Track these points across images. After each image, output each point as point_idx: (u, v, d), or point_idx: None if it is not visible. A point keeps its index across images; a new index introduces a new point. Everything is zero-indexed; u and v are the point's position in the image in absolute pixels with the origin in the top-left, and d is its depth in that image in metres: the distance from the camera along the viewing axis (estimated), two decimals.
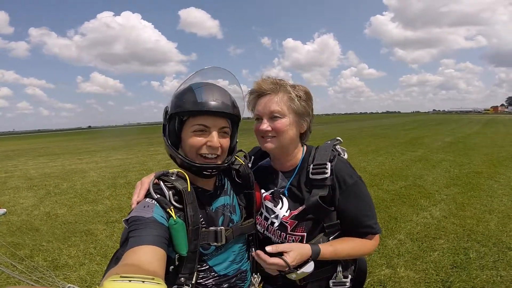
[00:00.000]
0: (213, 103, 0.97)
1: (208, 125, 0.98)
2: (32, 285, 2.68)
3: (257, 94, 1.18)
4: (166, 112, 1.03)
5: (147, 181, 1.02)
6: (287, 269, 1.03)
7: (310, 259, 1.07)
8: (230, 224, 1.09)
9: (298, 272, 1.05)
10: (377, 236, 1.21)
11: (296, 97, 1.15)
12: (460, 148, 12.10)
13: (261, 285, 1.27)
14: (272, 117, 1.14)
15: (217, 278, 1.06)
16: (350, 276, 1.23)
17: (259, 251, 1.07)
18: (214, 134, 0.99)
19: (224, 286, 1.07)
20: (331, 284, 1.20)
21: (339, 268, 1.21)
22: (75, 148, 22.81)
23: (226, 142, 1.03)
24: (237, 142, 1.14)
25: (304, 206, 1.15)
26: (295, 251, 1.05)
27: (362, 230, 1.17)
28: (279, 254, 1.04)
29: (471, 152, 10.88)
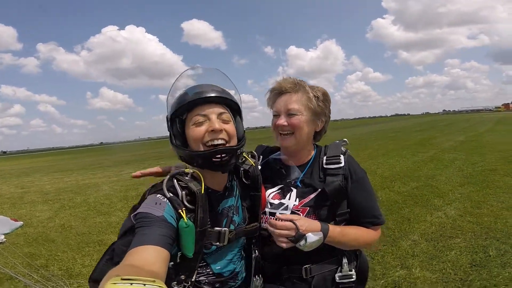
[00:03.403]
0: (204, 91, 0.99)
1: (206, 113, 0.99)
2: None
3: (277, 92, 1.25)
4: (167, 119, 1.05)
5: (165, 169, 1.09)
6: (296, 232, 1.06)
7: (321, 233, 1.09)
8: (232, 226, 1.08)
9: (308, 238, 1.06)
10: (379, 229, 1.27)
11: (314, 97, 1.22)
12: (473, 146, 11.81)
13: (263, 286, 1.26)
14: (289, 114, 1.20)
15: (212, 276, 1.05)
16: (354, 271, 1.23)
17: (270, 220, 1.13)
18: (213, 118, 0.99)
19: (216, 285, 1.07)
20: (338, 278, 1.21)
21: (344, 260, 1.22)
22: (88, 163, 23.29)
23: (229, 127, 1.01)
24: (244, 131, 1.11)
25: (316, 193, 1.20)
26: (304, 219, 1.12)
27: (369, 219, 1.22)
28: None
29: (484, 150, 10.60)
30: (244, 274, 1.17)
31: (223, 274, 1.07)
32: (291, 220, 1.08)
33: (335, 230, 1.13)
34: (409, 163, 9.16)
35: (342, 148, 1.27)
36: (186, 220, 0.88)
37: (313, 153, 1.30)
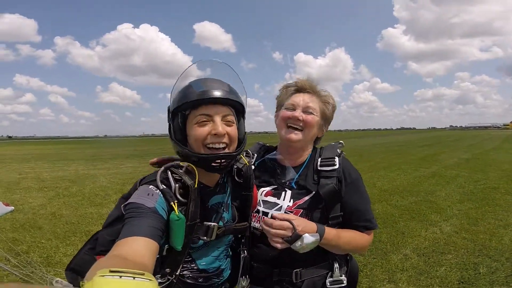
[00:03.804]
0: (212, 90, 0.96)
1: (210, 113, 0.96)
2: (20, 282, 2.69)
3: (297, 89, 1.27)
4: (168, 110, 1.03)
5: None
6: (292, 233, 1.03)
7: (318, 234, 1.07)
8: (221, 222, 1.07)
9: (304, 239, 1.02)
10: (372, 234, 1.25)
11: (330, 104, 1.27)
12: (477, 164, 11.67)
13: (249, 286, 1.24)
14: (306, 111, 1.21)
15: (196, 271, 1.04)
16: (344, 277, 1.21)
17: (265, 218, 1.13)
18: (217, 121, 0.96)
19: (200, 280, 1.05)
20: (328, 284, 1.18)
21: (336, 265, 1.20)
22: (90, 154, 23.48)
23: (232, 130, 0.99)
24: (246, 133, 1.09)
25: (310, 196, 1.18)
26: (300, 219, 1.10)
27: (362, 223, 1.20)
28: None
29: (488, 168, 10.51)
30: (228, 272, 1.16)
31: (207, 270, 1.06)
32: (287, 220, 1.05)
33: (330, 232, 1.11)
34: (410, 177, 9.05)
35: (338, 150, 1.26)
36: (177, 213, 0.87)
37: (308, 154, 1.29)
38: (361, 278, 3.11)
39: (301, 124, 1.20)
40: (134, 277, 0.47)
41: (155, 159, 1.10)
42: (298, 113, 1.19)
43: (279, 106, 1.31)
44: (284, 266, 1.18)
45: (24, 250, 3.83)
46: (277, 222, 1.05)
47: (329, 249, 1.15)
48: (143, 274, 0.48)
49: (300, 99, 1.23)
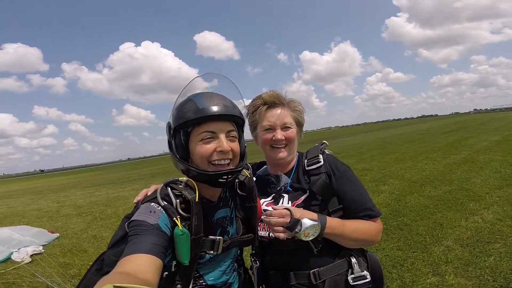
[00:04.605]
0: (215, 107, 0.95)
1: (214, 130, 0.96)
2: None
3: (267, 106, 1.29)
4: (169, 127, 1.01)
5: (153, 188, 1.06)
6: (290, 218, 1.06)
7: (318, 220, 1.09)
8: (226, 236, 1.07)
9: (303, 224, 1.05)
10: (379, 220, 1.26)
11: (300, 111, 1.33)
12: (510, 146, 10.97)
13: None
14: (284, 127, 1.26)
15: (205, 287, 1.04)
16: (366, 272, 1.20)
17: (266, 211, 1.15)
18: (222, 138, 0.97)
19: None
20: (351, 281, 1.17)
21: (354, 260, 1.20)
22: (117, 178, 24.36)
23: (236, 145, 1.00)
24: (245, 146, 1.10)
25: (306, 195, 1.24)
26: (299, 208, 1.15)
27: (362, 213, 1.21)
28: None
29: None
30: (236, 286, 1.16)
31: (216, 286, 1.06)
32: (285, 208, 1.11)
33: (333, 220, 1.14)
34: (440, 166, 8.68)
35: (320, 149, 1.31)
36: (181, 227, 0.88)
37: (295, 159, 1.36)
38: (402, 272, 3.07)
39: (283, 142, 1.26)
40: None
41: (139, 197, 1.08)
42: (279, 135, 1.25)
43: (254, 126, 1.34)
44: (299, 269, 1.18)
45: (76, 274, 4.06)
46: (275, 211, 1.11)
47: (338, 241, 1.16)
48: None
49: (276, 117, 1.26)
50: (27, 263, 4.58)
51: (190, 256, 0.91)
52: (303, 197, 1.24)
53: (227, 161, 0.98)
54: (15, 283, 3.88)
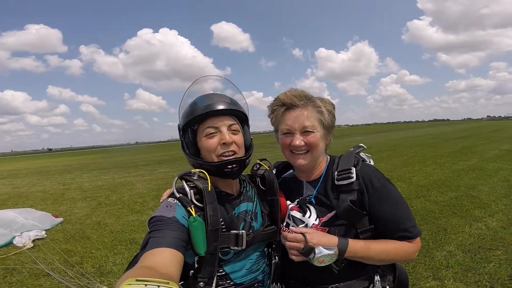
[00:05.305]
0: (215, 103, 1.04)
1: (216, 125, 1.04)
2: None
3: (286, 107, 1.16)
4: (179, 128, 1.11)
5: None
6: (304, 245, 1.02)
7: (336, 248, 1.03)
8: (250, 231, 1.08)
9: (317, 252, 1.02)
10: (417, 240, 1.12)
11: (326, 111, 1.15)
12: None
13: None
14: (304, 131, 1.13)
15: (233, 286, 1.05)
16: (389, 287, 1.16)
17: (283, 232, 1.12)
18: (224, 131, 1.04)
19: None
20: None
21: (377, 278, 1.14)
22: (123, 162, 24.65)
23: (238, 138, 1.07)
24: (252, 139, 1.16)
25: (333, 212, 1.13)
26: (318, 232, 1.07)
27: (398, 234, 1.09)
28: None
29: None
30: (269, 282, 1.16)
31: (244, 283, 1.07)
32: (301, 233, 1.06)
33: (356, 244, 1.06)
34: (448, 171, 8.60)
35: (355, 158, 1.18)
36: (194, 215, 0.92)
37: (325, 166, 1.23)
38: None
39: (303, 148, 1.14)
40: (159, 286, 0.51)
41: (164, 197, 1.10)
42: (298, 142, 1.12)
43: (275, 129, 1.24)
44: (318, 283, 1.14)
45: (78, 261, 4.07)
46: (290, 235, 1.07)
47: (365, 261, 1.09)
48: (167, 283, 0.52)
49: (294, 120, 1.13)
50: (29, 248, 4.61)
51: (208, 248, 0.93)
52: (330, 215, 1.13)
53: (231, 152, 1.04)
54: (15, 269, 3.91)
